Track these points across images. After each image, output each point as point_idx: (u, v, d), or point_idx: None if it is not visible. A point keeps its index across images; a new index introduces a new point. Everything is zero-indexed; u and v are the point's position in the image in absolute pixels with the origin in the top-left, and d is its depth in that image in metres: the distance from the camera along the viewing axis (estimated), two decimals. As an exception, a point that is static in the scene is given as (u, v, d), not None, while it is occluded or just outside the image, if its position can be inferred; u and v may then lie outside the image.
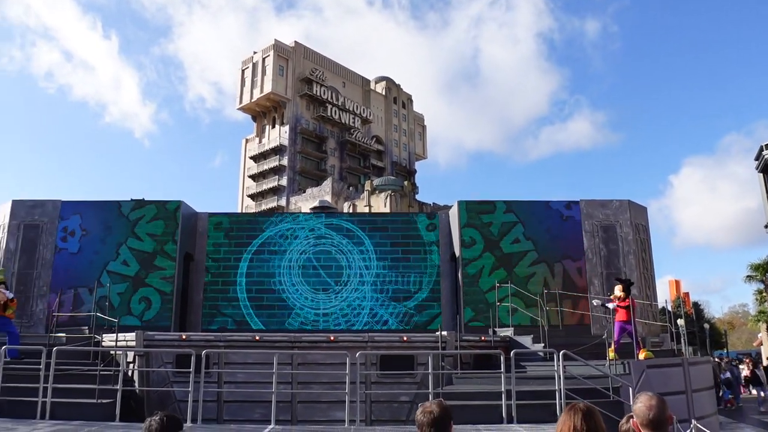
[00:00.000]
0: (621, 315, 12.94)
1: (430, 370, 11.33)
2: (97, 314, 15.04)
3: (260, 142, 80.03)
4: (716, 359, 30.45)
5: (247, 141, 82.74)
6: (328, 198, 62.94)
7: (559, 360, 10.58)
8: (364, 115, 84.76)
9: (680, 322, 23.89)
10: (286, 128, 77.00)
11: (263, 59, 77.93)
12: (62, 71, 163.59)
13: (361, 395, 11.37)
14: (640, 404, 3.10)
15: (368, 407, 12.36)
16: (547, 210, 19.26)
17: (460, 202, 19.42)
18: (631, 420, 3.30)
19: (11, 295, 13.35)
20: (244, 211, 69.80)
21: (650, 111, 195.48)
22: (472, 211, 19.22)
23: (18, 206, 19.17)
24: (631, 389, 10.81)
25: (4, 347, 11.48)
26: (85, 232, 19.00)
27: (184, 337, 14.62)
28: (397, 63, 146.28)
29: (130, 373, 13.48)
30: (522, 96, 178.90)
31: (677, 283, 54.45)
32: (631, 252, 18.90)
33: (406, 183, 67.84)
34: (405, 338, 14.61)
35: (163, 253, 18.79)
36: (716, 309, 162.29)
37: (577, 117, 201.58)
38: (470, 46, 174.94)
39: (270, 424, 10.40)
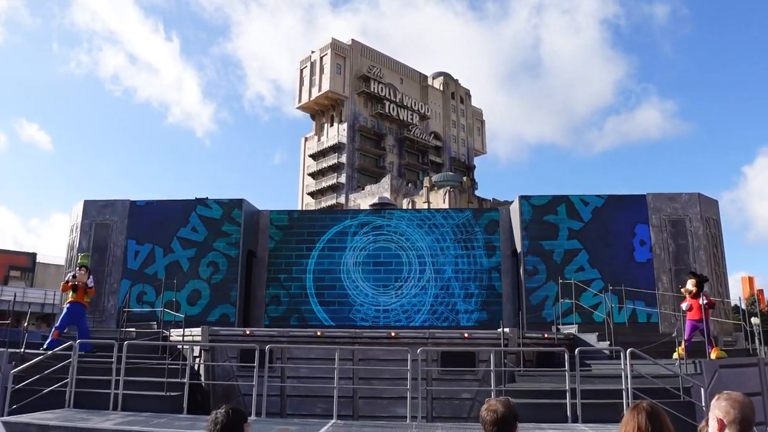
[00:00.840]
0: (694, 313, 12.42)
1: (492, 368, 11.18)
2: (165, 310, 15.48)
3: (319, 140, 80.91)
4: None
5: (306, 139, 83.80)
6: (387, 195, 63.07)
7: (626, 358, 10.26)
8: (422, 111, 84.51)
9: (754, 320, 22.82)
10: (345, 126, 77.59)
11: (321, 58, 78.74)
12: (127, 74, 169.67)
13: (422, 392, 11.33)
14: (725, 403, 2.90)
15: (429, 404, 12.30)
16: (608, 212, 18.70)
17: (521, 198, 19.10)
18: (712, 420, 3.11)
19: (92, 284, 13.74)
20: (304, 209, 70.78)
21: (723, 98, 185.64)
22: (533, 206, 18.87)
23: (89, 206, 19.99)
24: (702, 390, 10.39)
25: (78, 341, 11.97)
26: (152, 230, 19.64)
27: (248, 332, 14.89)
28: (455, 55, 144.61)
29: (196, 367, 13.83)
30: (585, 86, 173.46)
31: (751, 279, 52.15)
32: (701, 247, 18.18)
33: (465, 179, 67.32)
34: (466, 335, 14.46)
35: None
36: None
37: (645, 106, 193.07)
38: (531, 36, 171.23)
39: (332, 419, 10.48)
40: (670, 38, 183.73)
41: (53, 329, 13.64)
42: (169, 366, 12.13)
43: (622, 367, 10.39)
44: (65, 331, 13.68)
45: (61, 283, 13.78)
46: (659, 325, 17.22)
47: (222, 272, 19.06)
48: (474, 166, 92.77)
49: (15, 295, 18.20)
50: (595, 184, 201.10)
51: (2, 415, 10.16)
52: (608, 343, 13.95)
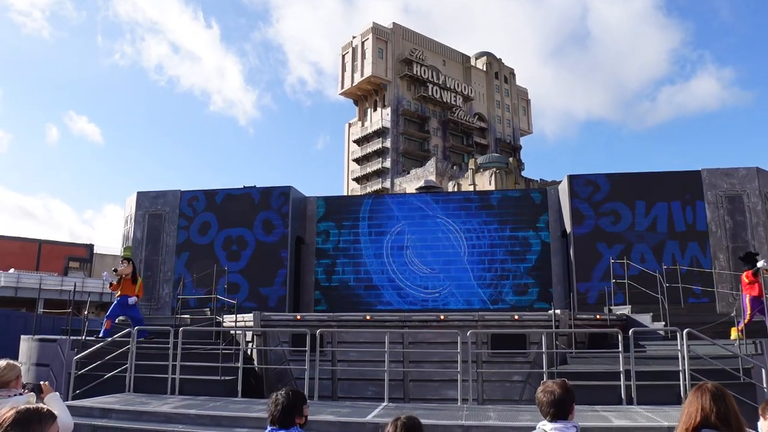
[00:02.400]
0: (755, 290, 12.00)
1: (543, 349, 11.05)
2: (217, 297, 15.81)
3: (363, 125, 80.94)
4: None
5: (350, 125, 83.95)
6: (432, 178, 62.78)
7: (682, 339, 10.00)
8: (466, 93, 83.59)
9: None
10: (388, 110, 77.39)
11: (362, 43, 78.54)
12: (171, 63, 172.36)
13: (472, 374, 11.30)
14: None
15: (480, 386, 12.25)
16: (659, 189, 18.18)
17: (569, 177, 18.74)
18: None
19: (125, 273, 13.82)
20: (350, 194, 71.13)
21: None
22: (582, 186, 18.49)
23: (142, 197, 20.53)
24: (764, 370, 10.06)
25: (136, 328, 12.35)
26: (203, 218, 20.05)
27: (298, 317, 15.11)
28: (498, 31, 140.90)
29: (249, 352, 14.11)
30: (637, 56, 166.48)
31: (813, 255, 50.04)
32: (760, 224, 17.53)
33: (511, 159, 66.45)
34: (516, 317, 14.34)
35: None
36: None
37: (702, 75, 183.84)
38: (578, 6, 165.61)
39: (383, 402, 10.56)
40: (729, 2, 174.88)
41: (105, 319, 14.08)
42: (223, 351, 12.42)
43: (679, 347, 10.14)
44: (117, 321, 14.08)
45: (111, 281, 14.12)
46: (716, 305, 16.72)
47: (273, 258, 19.34)
48: (520, 147, 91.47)
49: (75, 285, 18.85)
50: (647, 159, 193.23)
51: (66, 399, 10.57)
52: (663, 323, 13.63)
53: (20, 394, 3.99)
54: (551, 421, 3.32)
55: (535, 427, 3.43)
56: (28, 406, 2.06)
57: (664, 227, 17.84)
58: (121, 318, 14.26)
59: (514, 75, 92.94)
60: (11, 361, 4.19)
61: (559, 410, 3.28)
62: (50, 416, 2.07)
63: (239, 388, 11.48)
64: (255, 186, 20.81)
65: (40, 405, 2.12)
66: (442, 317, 14.37)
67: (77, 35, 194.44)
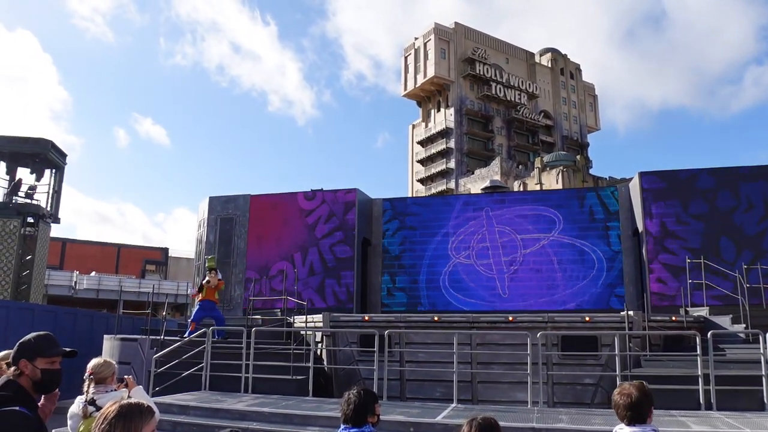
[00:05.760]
0: None
1: (616, 352, 10.79)
2: (288, 298, 16.16)
3: (426, 126, 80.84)
4: None
5: (413, 127, 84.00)
6: (497, 178, 62.11)
7: (765, 342, 9.57)
8: (530, 90, 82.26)
9: None
10: (452, 111, 77.03)
11: (425, 44, 78.49)
12: (232, 63, 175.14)
13: (542, 377, 11.14)
14: None
15: (550, 389, 12.06)
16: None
17: (641, 174, 18.19)
18: None
19: (219, 276, 14.88)
20: (414, 195, 71.16)
21: None
22: (653, 184, 17.90)
23: (214, 202, 21.23)
24: None
25: (212, 328, 12.80)
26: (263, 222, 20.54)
27: (366, 318, 15.26)
28: (565, 14, 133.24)
29: (318, 352, 14.37)
30: (720, 36, 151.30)
31: None
32: None
33: (578, 157, 64.93)
34: (587, 318, 14.03)
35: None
36: None
37: None
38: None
39: (452, 403, 10.56)
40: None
41: (190, 321, 14.72)
42: (294, 351, 12.70)
43: (761, 351, 9.70)
44: (200, 323, 14.68)
45: (193, 291, 14.85)
46: (801, 306, 15.87)
47: (339, 260, 19.63)
48: (587, 144, 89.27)
49: (153, 287, 19.70)
50: (731, 150, 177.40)
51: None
52: (743, 326, 13.06)
53: (115, 389, 4.25)
54: (628, 425, 3.27)
55: (611, 431, 3.39)
56: (130, 401, 2.21)
57: (742, 225, 17.07)
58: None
59: (580, 71, 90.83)
60: (107, 359, 4.46)
61: (636, 414, 3.23)
62: (150, 411, 2.21)
63: (310, 387, 11.71)
64: (322, 189, 21.16)
65: (140, 400, 2.27)
66: (511, 318, 14.22)
67: (139, 38, 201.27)
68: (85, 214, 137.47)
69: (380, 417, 3.93)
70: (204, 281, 14.51)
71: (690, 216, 17.41)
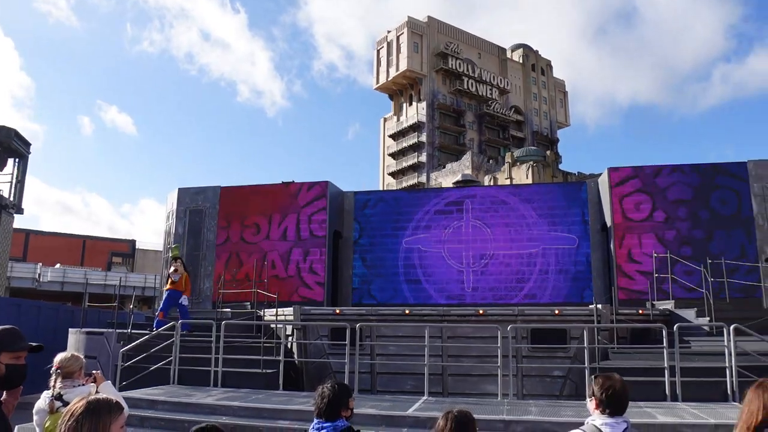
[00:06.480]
0: None
1: (585, 345, 10.93)
2: (258, 291, 16.02)
3: (398, 120, 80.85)
4: None
5: (385, 120, 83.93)
6: (468, 172, 62.44)
7: (729, 335, 9.77)
8: (502, 86, 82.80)
9: None
10: (424, 104, 77.13)
11: (397, 37, 78.37)
12: (201, 51, 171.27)
13: (512, 369, 11.23)
14: None
15: (520, 381, 12.18)
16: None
17: (609, 169, 18.44)
18: None
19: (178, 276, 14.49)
20: (385, 189, 71.16)
21: None
22: (621, 178, 18.16)
23: (183, 194, 20.91)
24: (816, 367, 9.76)
25: (179, 321, 12.62)
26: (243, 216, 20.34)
27: (338, 311, 15.22)
28: (537, 8, 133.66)
29: (289, 346, 14.28)
30: (689, 33, 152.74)
31: None
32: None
33: (548, 153, 65.61)
34: (557, 311, 14.20)
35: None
36: None
37: (760, 50, 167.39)
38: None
39: (423, 396, 10.59)
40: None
41: (158, 311, 14.48)
42: (264, 344, 12.60)
43: (725, 344, 9.91)
44: (168, 313, 14.47)
45: (168, 283, 14.51)
46: (762, 300, 16.27)
47: (312, 252, 19.52)
48: (557, 139, 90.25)
49: (120, 280, 19.36)
50: (700, 147, 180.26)
51: (115, 391, 10.85)
52: (708, 319, 13.33)
53: (83, 384, 4.14)
54: (610, 416, 3.26)
55: (581, 422, 3.40)
56: (98, 396, 2.14)
57: (705, 220, 17.43)
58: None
59: (551, 67, 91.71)
60: (75, 353, 4.35)
61: (614, 404, 3.26)
62: (119, 407, 2.14)
63: (280, 380, 11.63)
64: (293, 181, 21.01)
65: (109, 396, 2.20)
66: (481, 312, 14.31)
67: (105, 23, 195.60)
68: (49, 205, 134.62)
69: (354, 411, 3.90)
70: (171, 270, 14.25)
71: (658, 211, 17.71)
